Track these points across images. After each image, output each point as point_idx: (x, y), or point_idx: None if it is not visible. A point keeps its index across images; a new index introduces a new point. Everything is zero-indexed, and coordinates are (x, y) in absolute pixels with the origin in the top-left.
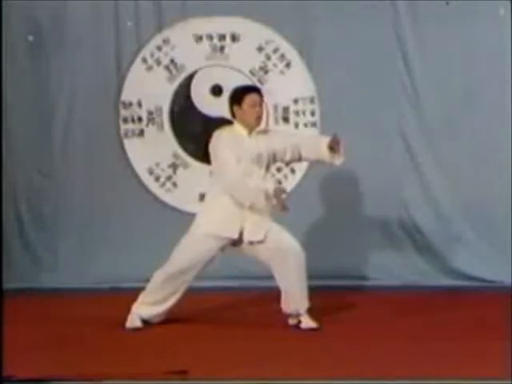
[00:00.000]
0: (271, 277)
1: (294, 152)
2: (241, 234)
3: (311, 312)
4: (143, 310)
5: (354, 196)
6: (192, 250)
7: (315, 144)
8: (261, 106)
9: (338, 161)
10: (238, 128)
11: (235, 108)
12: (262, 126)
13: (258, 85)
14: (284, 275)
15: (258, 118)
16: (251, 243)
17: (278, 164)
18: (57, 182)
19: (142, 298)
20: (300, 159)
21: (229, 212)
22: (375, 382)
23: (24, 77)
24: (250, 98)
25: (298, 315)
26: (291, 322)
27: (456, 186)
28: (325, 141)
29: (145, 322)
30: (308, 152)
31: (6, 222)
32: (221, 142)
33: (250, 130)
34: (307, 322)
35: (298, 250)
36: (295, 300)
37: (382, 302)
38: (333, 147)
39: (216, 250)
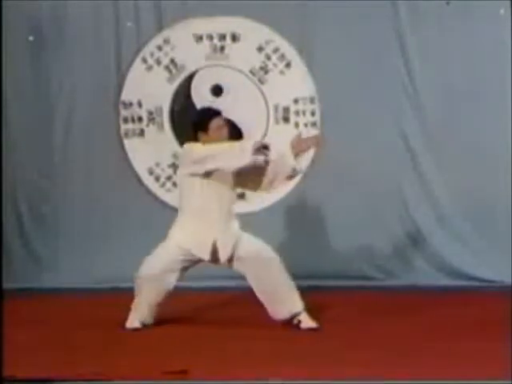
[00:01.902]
0: None
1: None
2: (215, 252)
3: (311, 312)
4: (137, 312)
5: (353, 196)
6: (163, 259)
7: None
8: (226, 127)
9: (298, 166)
10: None
11: (200, 134)
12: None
13: (259, 84)
14: (266, 283)
15: (225, 139)
16: (229, 261)
17: None
18: (57, 182)
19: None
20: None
21: (200, 230)
22: (375, 382)
23: (24, 77)
24: (215, 123)
25: (294, 316)
26: (292, 321)
27: (456, 186)
28: (288, 151)
29: (144, 324)
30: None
31: (6, 222)
32: (194, 148)
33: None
34: (307, 322)
35: (272, 255)
36: (286, 303)
37: (382, 301)
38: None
39: (188, 263)
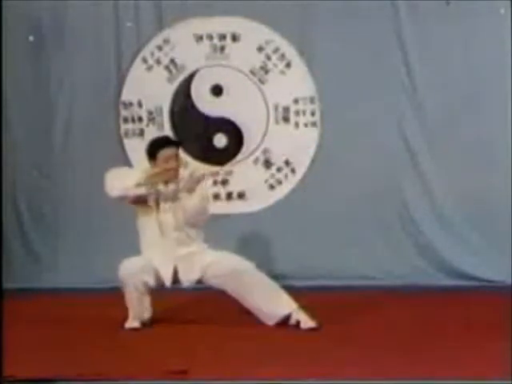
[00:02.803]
0: (273, 276)
1: None
2: (176, 278)
3: (310, 312)
4: (132, 310)
5: (354, 196)
6: (139, 260)
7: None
8: (176, 159)
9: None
10: None
11: (151, 162)
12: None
13: (259, 84)
14: (248, 294)
15: (172, 172)
16: (198, 282)
17: (279, 164)
18: (57, 182)
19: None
20: None
21: (160, 258)
22: (375, 382)
23: (24, 77)
24: (163, 154)
25: (287, 318)
26: (290, 322)
27: (456, 186)
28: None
29: (143, 322)
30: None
31: (6, 222)
32: None
33: (166, 182)
34: (306, 322)
35: (246, 264)
36: (273, 306)
37: (382, 301)
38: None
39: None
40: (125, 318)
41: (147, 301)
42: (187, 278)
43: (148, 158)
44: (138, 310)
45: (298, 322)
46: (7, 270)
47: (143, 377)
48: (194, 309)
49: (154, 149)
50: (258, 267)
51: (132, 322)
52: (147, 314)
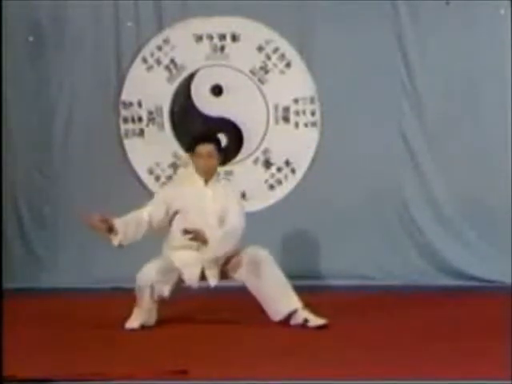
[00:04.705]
0: None
1: None
2: (203, 277)
3: (311, 312)
4: (138, 314)
5: (354, 196)
6: (159, 268)
7: None
8: (212, 156)
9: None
10: (195, 176)
11: (190, 155)
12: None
13: (259, 84)
14: (262, 284)
15: (206, 169)
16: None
17: (279, 164)
18: (57, 182)
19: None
20: None
21: (188, 256)
22: (375, 382)
23: (24, 77)
24: (200, 149)
25: (292, 313)
26: (293, 321)
27: (456, 186)
28: None
29: (144, 326)
30: None
31: (6, 222)
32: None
33: (206, 179)
34: (315, 321)
35: (263, 253)
36: (283, 301)
37: (382, 301)
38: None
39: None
40: (125, 318)
41: (155, 308)
42: (214, 276)
43: (188, 151)
44: (145, 316)
45: (306, 321)
46: (7, 269)
47: (143, 377)
48: (194, 309)
49: (194, 142)
50: None
51: (132, 322)
52: (152, 320)
